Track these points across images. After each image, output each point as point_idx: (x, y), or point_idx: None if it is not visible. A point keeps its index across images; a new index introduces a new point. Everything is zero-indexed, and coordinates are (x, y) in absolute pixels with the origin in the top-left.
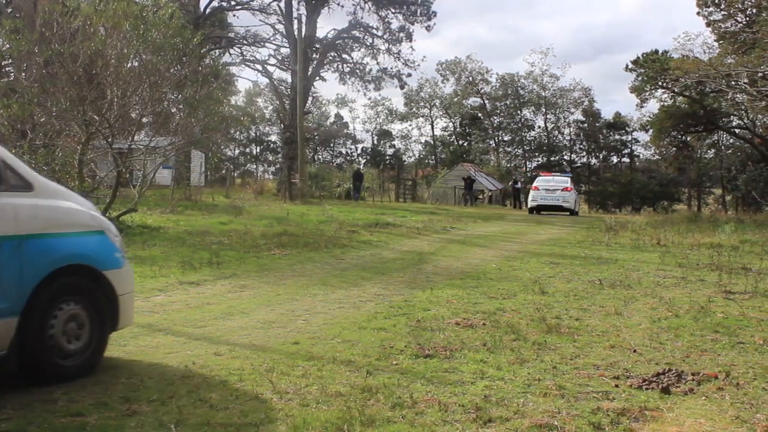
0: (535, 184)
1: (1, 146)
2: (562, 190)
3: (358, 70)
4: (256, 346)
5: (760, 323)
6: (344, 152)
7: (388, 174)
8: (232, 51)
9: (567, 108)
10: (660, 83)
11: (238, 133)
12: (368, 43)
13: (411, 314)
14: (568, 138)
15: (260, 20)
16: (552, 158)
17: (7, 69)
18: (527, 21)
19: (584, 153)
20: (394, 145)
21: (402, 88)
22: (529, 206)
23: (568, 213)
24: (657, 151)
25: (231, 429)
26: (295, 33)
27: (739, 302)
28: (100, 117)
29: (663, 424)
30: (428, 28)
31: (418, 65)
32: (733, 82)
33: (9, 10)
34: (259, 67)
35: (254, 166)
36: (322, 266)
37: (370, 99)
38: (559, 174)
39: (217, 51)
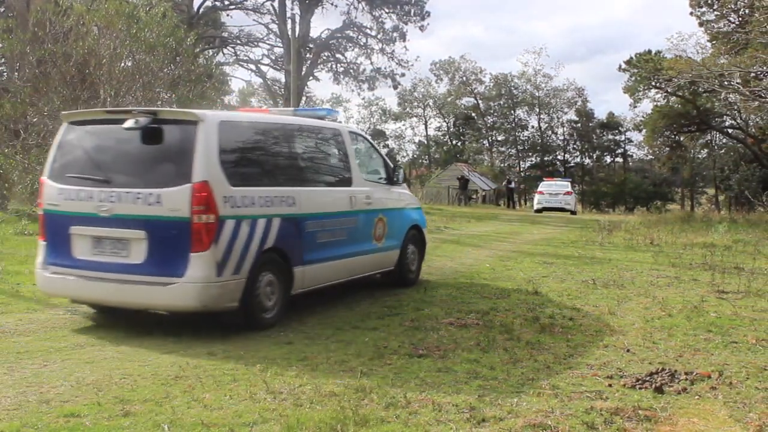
0: (539, 188)
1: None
2: (564, 194)
3: (351, 70)
4: (250, 345)
5: (752, 322)
6: None
7: None
8: (225, 51)
9: (560, 108)
10: (653, 83)
11: None
12: (362, 43)
13: (404, 314)
14: (561, 138)
15: (254, 20)
16: (545, 158)
17: None
18: (522, 21)
19: (578, 153)
20: (387, 145)
21: (395, 87)
22: (534, 208)
23: (569, 213)
24: (650, 151)
25: (225, 429)
26: (289, 33)
27: (731, 302)
28: None
29: (656, 423)
30: (422, 28)
31: (412, 65)
32: (726, 82)
33: (1, 9)
34: (252, 66)
35: None
36: None
37: (363, 99)
38: (560, 179)
39: (210, 51)
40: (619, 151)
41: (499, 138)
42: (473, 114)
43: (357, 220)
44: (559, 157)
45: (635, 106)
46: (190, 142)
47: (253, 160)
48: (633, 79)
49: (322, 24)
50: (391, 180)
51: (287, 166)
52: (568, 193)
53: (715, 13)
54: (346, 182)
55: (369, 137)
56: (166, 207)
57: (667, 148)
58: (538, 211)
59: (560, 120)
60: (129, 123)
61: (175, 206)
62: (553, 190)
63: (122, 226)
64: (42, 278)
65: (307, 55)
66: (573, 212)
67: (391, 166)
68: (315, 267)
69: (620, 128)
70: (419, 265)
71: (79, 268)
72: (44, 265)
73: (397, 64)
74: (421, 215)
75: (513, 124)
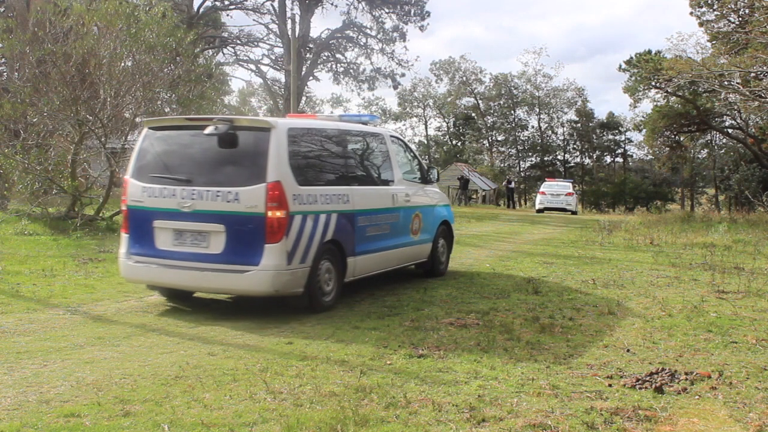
0: (541, 189)
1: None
2: (566, 194)
3: (351, 70)
4: (249, 346)
5: (752, 322)
6: None
7: None
8: (225, 51)
9: (560, 108)
10: (653, 83)
11: None
12: (362, 43)
13: (404, 314)
14: (561, 138)
15: (254, 20)
16: (545, 158)
17: None
18: (523, 21)
19: (578, 153)
20: None
21: (395, 87)
22: (536, 208)
23: (570, 213)
24: (650, 151)
25: (225, 429)
26: (289, 33)
27: (731, 302)
28: (93, 116)
29: (656, 423)
30: (422, 28)
31: (412, 65)
32: (725, 82)
33: (2, 9)
34: (252, 66)
35: None
36: None
37: (363, 99)
38: (561, 180)
39: (210, 51)
40: (619, 151)
41: (499, 138)
42: (473, 114)
43: (398, 215)
44: (559, 157)
45: (635, 106)
46: (264, 146)
47: (316, 162)
48: (633, 79)
49: (322, 24)
50: (425, 179)
51: (342, 167)
52: (569, 194)
53: (715, 13)
54: (389, 182)
55: (406, 141)
56: (243, 204)
57: (667, 148)
58: (540, 211)
59: (560, 120)
60: (209, 129)
61: (251, 203)
62: (555, 190)
63: (203, 221)
64: (125, 266)
65: (307, 55)
66: (574, 212)
67: (425, 167)
68: (364, 257)
69: (620, 128)
70: (448, 257)
71: (161, 257)
72: (128, 255)
73: (397, 64)
74: (449, 212)
75: (513, 124)
